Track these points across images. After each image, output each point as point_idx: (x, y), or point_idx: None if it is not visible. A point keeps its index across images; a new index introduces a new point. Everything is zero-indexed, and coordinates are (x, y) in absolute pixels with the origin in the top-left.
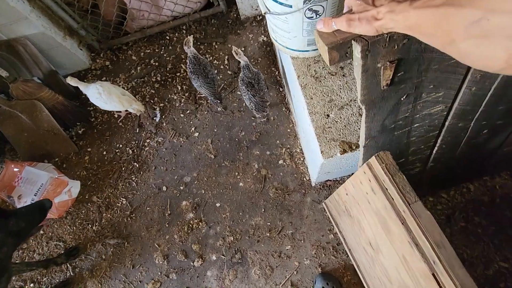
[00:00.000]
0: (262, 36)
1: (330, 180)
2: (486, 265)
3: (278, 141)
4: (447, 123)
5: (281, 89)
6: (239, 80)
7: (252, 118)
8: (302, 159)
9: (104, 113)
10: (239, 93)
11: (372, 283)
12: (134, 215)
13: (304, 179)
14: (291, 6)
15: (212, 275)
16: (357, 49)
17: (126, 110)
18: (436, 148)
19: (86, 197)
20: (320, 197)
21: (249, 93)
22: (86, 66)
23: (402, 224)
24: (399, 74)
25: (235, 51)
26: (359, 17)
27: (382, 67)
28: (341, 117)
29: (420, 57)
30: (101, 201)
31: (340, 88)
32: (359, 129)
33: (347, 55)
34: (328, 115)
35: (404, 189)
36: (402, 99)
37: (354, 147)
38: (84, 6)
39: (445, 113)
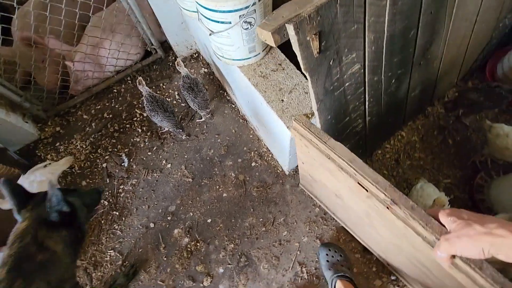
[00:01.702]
0: (203, 68)
1: None
2: (437, 187)
3: (245, 148)
4: (366, 79)
5: (233, 106)
6: (180, 88)
7: (216, 136)
8: (270, 155)
9: (67, 174)
10: (198, 120)
11: (358, 230)
12: (127, 262)
13: (278, 171)
14: (230, 22)
15: (224, 287)
16: (290, 29)
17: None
18: (367, 102)
19: None
20: (296, 181)
21: (191, 96)
22: (35, 137)
23: (329, 159)
24: (323, 43)
25: (177, 62)
26: (458, 235)
27: (311, 39)
28: (292, 99)
29: (332, 29)
30: (87, 262)
31: (284, 79)
32: (309, 103)
33: (284, 36)
34: (282, 100)
35: (319, 133)
36: (330, 63)
37: (310, 116)
38: (18, 84)
39: (362, 70)
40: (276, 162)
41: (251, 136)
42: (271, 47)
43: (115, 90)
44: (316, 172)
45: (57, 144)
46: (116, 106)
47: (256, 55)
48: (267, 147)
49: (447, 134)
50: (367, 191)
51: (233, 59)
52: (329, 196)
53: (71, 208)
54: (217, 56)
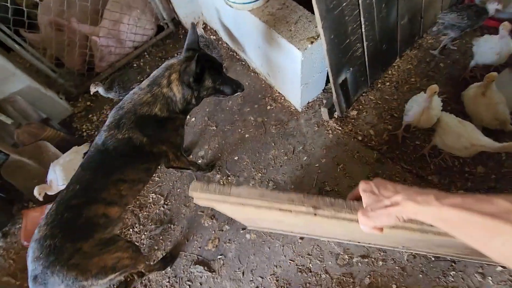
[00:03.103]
0: (212, 36)
1: (310, 102)
2: None
3: (259, 95)
4: (360, 1)
5: (243, 63)
6: None
7: None
8: (283, 98)
9: None
10: None
11: (319, 233)
12: (168, 201)
13: (292, 109)
14: None
15: None
16: None
17: None
18: (363, 26)
19: None
20: (309, 115)
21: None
22: (69, 112)
23: (243, 205)
24: None
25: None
26: (371, 208)
27: None
28: (298, 27)
29: None
30: (132, 205)
31: (290, 13)
32: (313, 29)
33: None
34: (290, 30)
35: (220, 190)
36: None
37: (316, 38)
38: (53, 61)
39: None
40: (289, 102)
41: (263, 85)
42: None
43: (135, 65)
44: (248, 214)
45: (90, 116)
46: (138, 78)
47: None
48: (279, 92)
49: (438, 59)
50: (291, 212)
51: (243, 3)
52: (275, 225)
53: (200, 83)
54: (229, 4)
